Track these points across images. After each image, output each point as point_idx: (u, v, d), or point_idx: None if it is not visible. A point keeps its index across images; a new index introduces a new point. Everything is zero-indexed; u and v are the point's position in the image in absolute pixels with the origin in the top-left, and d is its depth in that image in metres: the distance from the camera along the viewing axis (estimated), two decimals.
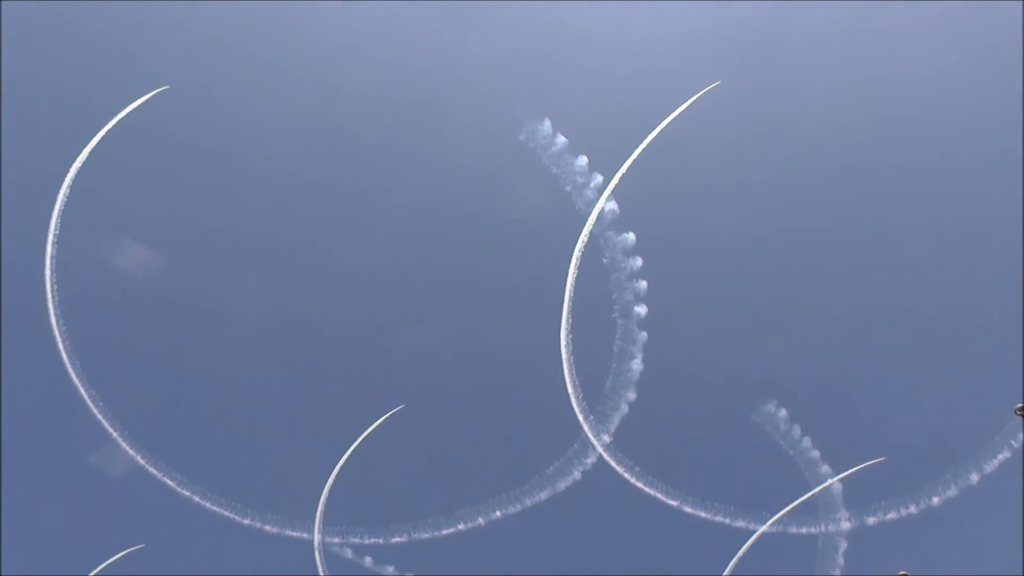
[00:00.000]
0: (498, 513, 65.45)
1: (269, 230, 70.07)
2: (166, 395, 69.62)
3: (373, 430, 65.16)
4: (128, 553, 64.22)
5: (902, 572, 42.02)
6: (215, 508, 65.10)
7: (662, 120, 59.73)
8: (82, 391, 63.23)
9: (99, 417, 63.50)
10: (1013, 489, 63.69)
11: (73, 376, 63.12)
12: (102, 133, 61.10)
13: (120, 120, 60.91)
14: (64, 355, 62.88)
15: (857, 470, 64.35)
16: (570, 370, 63.15)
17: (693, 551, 67.14)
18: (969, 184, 66.92)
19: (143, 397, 67.78)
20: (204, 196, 69.34)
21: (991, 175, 65.53)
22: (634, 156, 59.86)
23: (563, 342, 62.46)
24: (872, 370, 69.91)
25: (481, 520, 65.58)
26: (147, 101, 61.18)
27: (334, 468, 65.39)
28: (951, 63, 65.37)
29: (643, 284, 62.42)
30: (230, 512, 65.22)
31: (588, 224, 61.13)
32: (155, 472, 64.76)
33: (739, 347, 69.58)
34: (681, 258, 68.34)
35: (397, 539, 65.74)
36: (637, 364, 63.09)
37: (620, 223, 61.49)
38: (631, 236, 61.87)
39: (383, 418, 65.26)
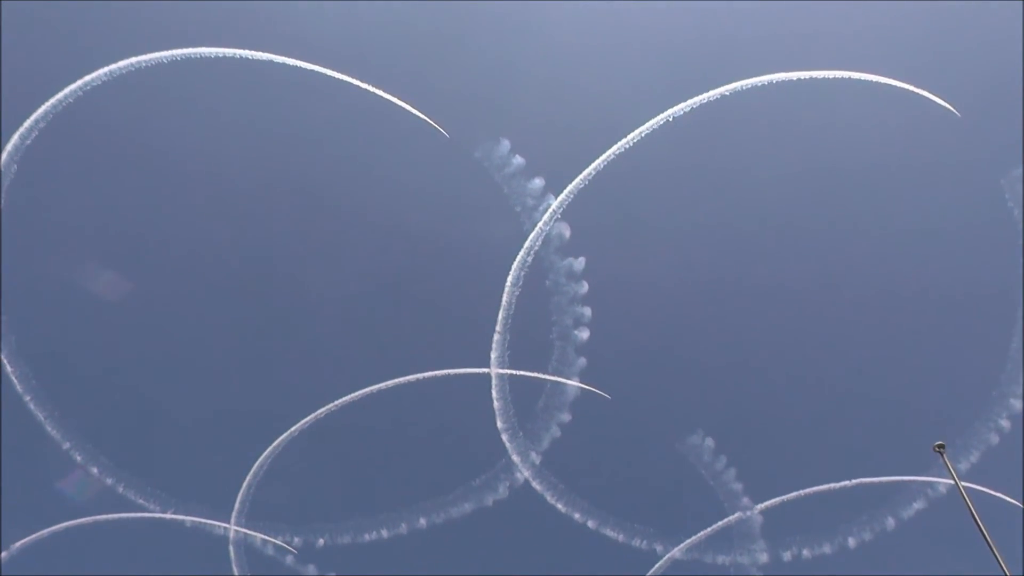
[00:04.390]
0: (422, 521, 65.88)
1: (203, 235, 69.33)
2: (90, 382, 68.90)
3: (298, 429, 64.89)
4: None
5: None
6: (136, 498, 64.76)
7: (627, 145, 59.72)
8: (8, 368, 62.13)
9: (26, 400, 62.64)
10: (927, 537, 65.61)
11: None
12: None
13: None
14: None
15: (775, 503, 65.55)
16: (499, 386, 63.35)
17: (610, 572, 68.46)
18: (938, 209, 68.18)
19: (66, 382, 66.83)
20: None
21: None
22: (582, 176, 59.72)
23: (493, 357, 62.56)
24: (802, 406, 71.34)
25: (404, 527, 65.98)
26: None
27: (255, 464, 65.29)
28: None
29: (587, 310, 62.68)
30: (151, 502, 64.96)
31: (527, 242, 60.99)
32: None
33: (678, 377, 70.73)
34: (628, 285, 68.94)
35: (318, 540, 65.98)
36: (573, 386, 63.45)
37: (569, 247, 61.52)
38: (579, 261, 61.90)
39: (310, 417, 65.01)
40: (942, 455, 38.14)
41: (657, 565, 66.14)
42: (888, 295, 68.88)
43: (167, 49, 58.39)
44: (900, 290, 68.44)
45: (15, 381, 62.08)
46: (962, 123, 58.29)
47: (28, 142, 58.40)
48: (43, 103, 57.93)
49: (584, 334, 62.41)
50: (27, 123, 58.07)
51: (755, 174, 68.11)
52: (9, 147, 58.02)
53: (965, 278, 67.27)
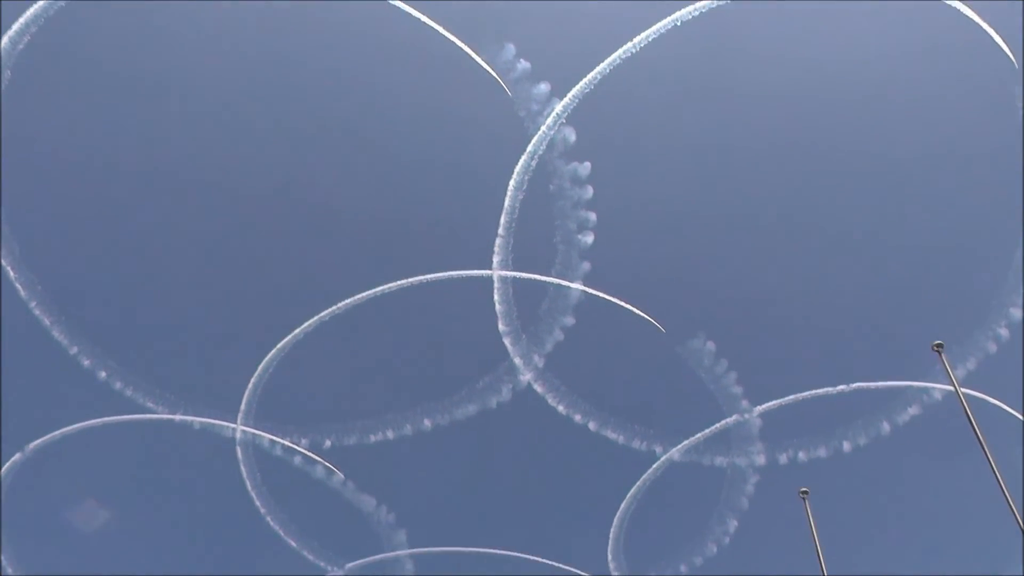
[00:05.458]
0: (427, 423, 66.94)
1: (204, 140, 68.54)
2: (96, 286, 69.04)
3: (303, 331, 65.37)
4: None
5: (803, 488, 43.49)
6: (147, 402, 65.63)
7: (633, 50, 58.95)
8: (10, 272, 62.12)
9: (30, 304, 62.74)
10: (921, 442, 66.92)
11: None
12: None
13: None
14: None
15: (773, 406, 66.56)
16: (502, 290, 63.62)
17: (609, 473, 70.12)
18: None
19: (72, 286, 66.99)
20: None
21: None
22: (587, 80, 59.04)
23: (495, 261, 62.73)
24: (803, 311, 71.98)
25: (409, 428, 67.09)
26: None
27: (260, 365, 65.97)
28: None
29: (591, 215, 62.45)
30: (159, 405, 65.84)
31: (530, 147, 60.50)
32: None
33: (681, 281, 71.15)
34: (633, 190, 68.65)
35: (324, 441, 67.19)
36: (576, 290, 63.72)
37: (574, 152, 61.01)
38: (584, 166, 61.43)
39: (314, 319, 65.40)
40: (940, 355, 38.47)
41: (655, 465, 67.65)
42: (890, 202, 68.92)
43: None
44: (903, 197, 68.45)
45: (19, 288, 62.30)
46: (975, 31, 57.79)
47: (20, 47, 57.51)
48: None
49: (588, 238, 62.40)
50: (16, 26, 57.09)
51: (762, 79, 67.30)
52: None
53: (968, 185, 67.22)
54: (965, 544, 69.75)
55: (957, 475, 65.81)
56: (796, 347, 71.86)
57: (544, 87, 59.52)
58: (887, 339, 69.62)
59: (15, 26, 56.70)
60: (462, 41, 58.66)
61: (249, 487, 68.14)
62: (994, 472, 33.19)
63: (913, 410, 64.71)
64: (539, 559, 70.66)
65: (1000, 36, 59.35)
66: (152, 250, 69.28)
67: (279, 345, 65.09)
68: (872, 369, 65.95)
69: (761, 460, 67.01)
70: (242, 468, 67.54)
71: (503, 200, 61.55)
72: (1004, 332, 62.24)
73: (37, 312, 62.60)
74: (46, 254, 64.60)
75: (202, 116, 68.12)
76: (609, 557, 69.62)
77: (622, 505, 68.67)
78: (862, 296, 70.05)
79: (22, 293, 62.14)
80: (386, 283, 64.27)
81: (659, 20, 57.99)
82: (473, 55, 58.93)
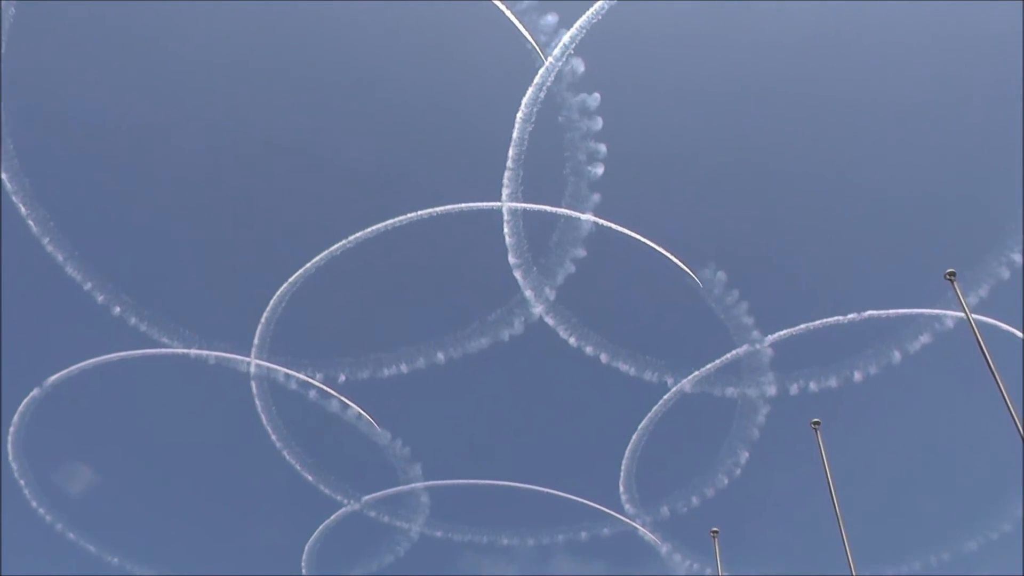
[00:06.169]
0: (440, 356, 67.21)
1: (217, 70, 68.19)
2: (110, 221, 69.20)
3: (314, 265, 65.41)
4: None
5: (814, 419, 43.81)
6: (162, 336, 66.03)
7: None
8: (22, 208, 62.23)
9: (43, 240, 62.90)
10: (932, 370, 67.00)
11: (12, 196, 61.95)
12: None
13: None
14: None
15: (784, 335, 66.51)
16: (512, 222, 63.46)
17: (620, 405, 70.57)
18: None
19: (86, 223, 67.21)
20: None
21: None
22: (594, 10, 58.26)
23: (505, 193, 62.47)
24: (815, 241, 71.87)
25: (422, 361, 67.39)
26: None
27: (272, 298, 66.19)
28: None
29: (601, 146, 61.93)
30: (173, 339, 66.26)
31: (537, 78, 59.93)
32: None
33: (692, 212, 70.96)
34: (643, 121, 68.47)
35: (338, 375, 67.59)
36: (587, 221, 63.45)
37: (583, 83, 60.37)
38: (593, 97, 60.81)
39: (325, 253, 65.44)
40: (952, 283, 38.48)
41: (666, 397, 67.96)
42: (902, 128, 68.34)
43: None
44: (915, 123, 67.85)
45: (31, 224, 62.43)
46: None
47: None
48: None
49: (598, 169, 61.98)
50: None
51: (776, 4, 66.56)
52: None
53: (981, 112, 66.58)
54: (975, 472, 70.35)
55: (969, 403, 66.13)
56: (807, 276, 72.13)
57: (552, 18, 58.76)
58: (898, 267, 69.60)
59: None
60: None
61: (264, 421, 68.98)
62: (1004, 399, 33.29)
63: (925, 338, 64.61)
64: (552, 491, 71.51)
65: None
66: (164, 184, 69.62)
67: (291, 279, 65.32)
68: (883, 297, 65.92)
69: (772, 391, 67.23)
70: (257, 402, 68.32)
71: (512, 132, 61.16)
72: (1017, 258, 61.92)
73: (50, 248, 62.96)
74: (58, 190, 64.86)
75: (212, 50, 68.06)
76: (621, 489, 70.39)
77: (633, 437, 69.17)
78: (873, 224, 69.91)
79: (35, 229, 62.44)
80: (396, 216, 64.26)
81: None
82: None
